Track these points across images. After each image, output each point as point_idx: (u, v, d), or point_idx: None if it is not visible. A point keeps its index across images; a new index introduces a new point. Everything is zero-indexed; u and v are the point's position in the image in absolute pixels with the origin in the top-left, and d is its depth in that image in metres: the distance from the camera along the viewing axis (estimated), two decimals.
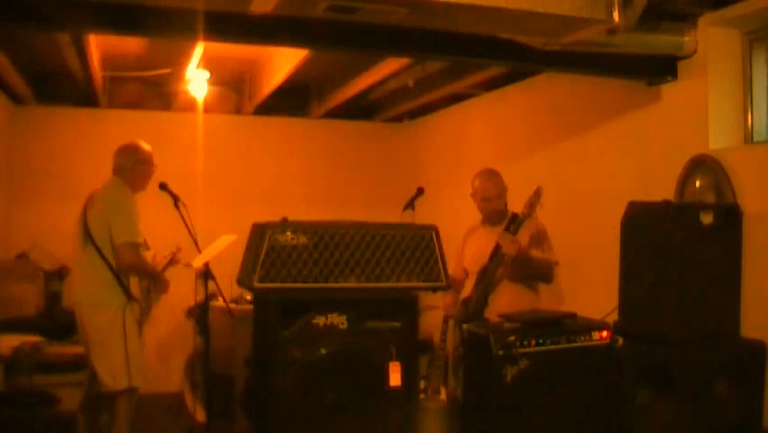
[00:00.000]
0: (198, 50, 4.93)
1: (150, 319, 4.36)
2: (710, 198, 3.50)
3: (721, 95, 3.62)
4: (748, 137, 3.64)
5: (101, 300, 3.98)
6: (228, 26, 3.18)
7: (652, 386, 3.03)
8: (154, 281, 4.20)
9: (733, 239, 3.20)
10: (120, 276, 3.99)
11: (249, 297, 5.03)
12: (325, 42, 3.51)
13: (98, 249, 3.98)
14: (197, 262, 4.29)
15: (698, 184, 3.59)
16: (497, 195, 4.01)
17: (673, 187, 3.69)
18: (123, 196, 4.07)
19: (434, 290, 3.27)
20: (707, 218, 3.11)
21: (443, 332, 4.31)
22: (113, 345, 3.93)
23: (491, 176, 4.06)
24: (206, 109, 6.33)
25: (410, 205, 5.76)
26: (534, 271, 3.90)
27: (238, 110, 6.83)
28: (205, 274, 4.29)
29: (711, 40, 3.59)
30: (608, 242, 3.46)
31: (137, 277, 4.12)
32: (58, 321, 5.03)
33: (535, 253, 3.86)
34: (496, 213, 4.04)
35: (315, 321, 3.02)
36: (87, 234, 4.02)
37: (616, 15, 2.93)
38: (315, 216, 3.32)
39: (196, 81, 5.77)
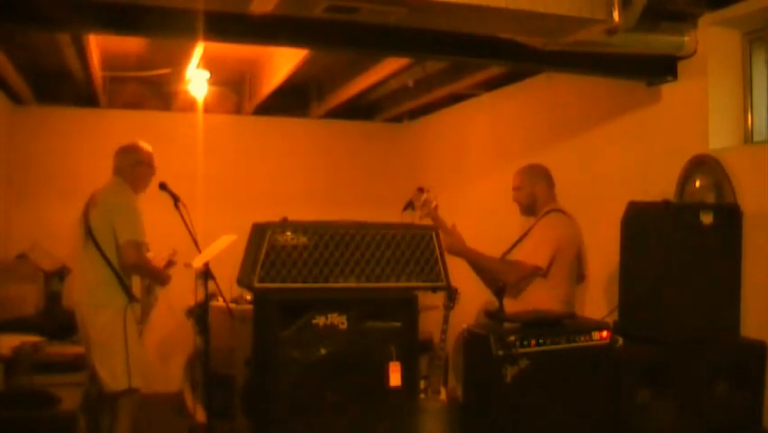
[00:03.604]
0: (198, 50, 4.93)
1: (149, 320, 4.36)
2: (710, 198, 3.50)
3: (721, 95, 3.62)
4: (748, 137, 3.64)
5: (102, 301, 3.97)
6: (228, 26, 3.18)
7: (652, 386, 3.03)
8: (157, 280, 4.20)
9: (733, 239, 3.19)
10: (122, 276, 3.99)
11: (249, 297, 5.03)
12: (325, 42, 3.50)
13: (100, 249, 3.97)
14: (197, 262, 4.28)
15: (698, 184, 3.59)
16: (514, 187, 4.08)
17: (673, 187, 3.69)
18: (125, 196, 4.07)
19: (434, 290, 3.26)
20: (707, 218, 3.11)
21: (443, 332, 4.31)
22: (113, 346, 3.92)
23: (519, 169, 4.12)
24: (206, 109, 6.33)
25: (410, 205, 5.75)
26: (478, 271, 3.94)
27: (238, 110, 6.83)
28: (205, 274, 4.27)
29: (711, 40, 3.58)
30: (608, 242, 3.46)
31: (139, 276, 4.12)
32: (58, 321, 5.03)
33: (491, 254, 3.93)
34: (520, 206, 4.08)
35: (315, 321, 3.01)
36: (89, 235, 4.02)
37: (616, 15, 2.93)
38: (315, 216, 3.32)
39: (196, 81, 5.77)
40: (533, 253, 3.81)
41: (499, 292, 3.93)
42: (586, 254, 4.02)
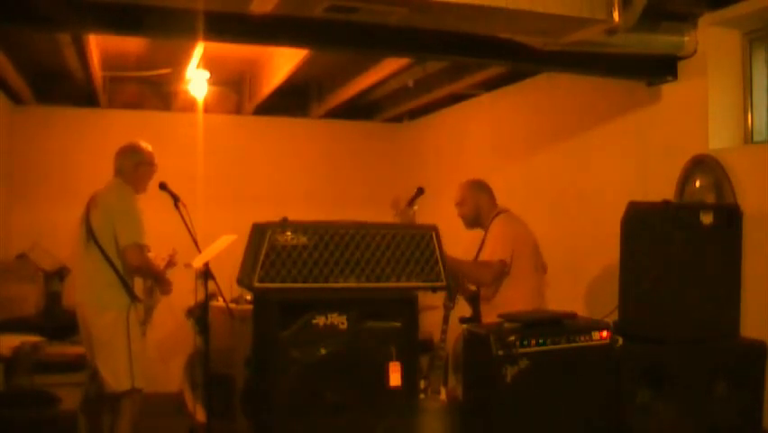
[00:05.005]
0: (198, 50, 4.93)
1: (151, 320, 4.36)
2: (710, 198, 3.50)
3: (721, 95, 3.62)
4: (748, 137, 3.64)
5: (105, 301, 3.96)
6: (228, 26, 3.19)
7: (652, 386, 3.03)
8: (158, 283, 4.21)
9: (733, 239, 3.19)
10: (124, 277, 3.98)
11: (249, 297, 5.03)
12: (325, 42, 3.51)
13: (102, 250, 3.97)
14: (197, 262, 4.29)
15: (698, 184, 3.59)
16: (456, 203, 4.18)
17: (673, 187, 3.69)
18: (126, 197, 4.07)
19: (434, 290, 3.26)
20: (707, 218, 3.11)
21: (443, 332, 4.31)
22: (116, 346, 3.92)
23: (459, 185, 4.22)
24: (206, 109, 6.33)
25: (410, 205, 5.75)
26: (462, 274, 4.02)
27: (238, 110, 6.83)
28: (205, 274, 4.28)
29: (711, 40, 3.59)
30: (608, 242, 3.46)
31: (142, 278, 4.12)
32: (58, 321, 5.04)
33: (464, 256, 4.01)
34: (464, 219, 4.18)
35: (315, 321, 3.01)
36: (90, 235, 4.02)
37: (616, 15, 2.93)
38: (315, 216, 3.31)
39: (196, 81, 5.77)
40: (493, 251, 3.92)
41: (473, 299, 4.06)
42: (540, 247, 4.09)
